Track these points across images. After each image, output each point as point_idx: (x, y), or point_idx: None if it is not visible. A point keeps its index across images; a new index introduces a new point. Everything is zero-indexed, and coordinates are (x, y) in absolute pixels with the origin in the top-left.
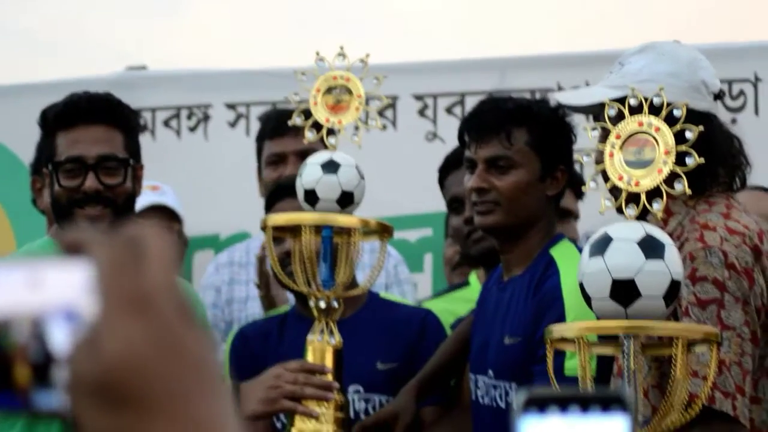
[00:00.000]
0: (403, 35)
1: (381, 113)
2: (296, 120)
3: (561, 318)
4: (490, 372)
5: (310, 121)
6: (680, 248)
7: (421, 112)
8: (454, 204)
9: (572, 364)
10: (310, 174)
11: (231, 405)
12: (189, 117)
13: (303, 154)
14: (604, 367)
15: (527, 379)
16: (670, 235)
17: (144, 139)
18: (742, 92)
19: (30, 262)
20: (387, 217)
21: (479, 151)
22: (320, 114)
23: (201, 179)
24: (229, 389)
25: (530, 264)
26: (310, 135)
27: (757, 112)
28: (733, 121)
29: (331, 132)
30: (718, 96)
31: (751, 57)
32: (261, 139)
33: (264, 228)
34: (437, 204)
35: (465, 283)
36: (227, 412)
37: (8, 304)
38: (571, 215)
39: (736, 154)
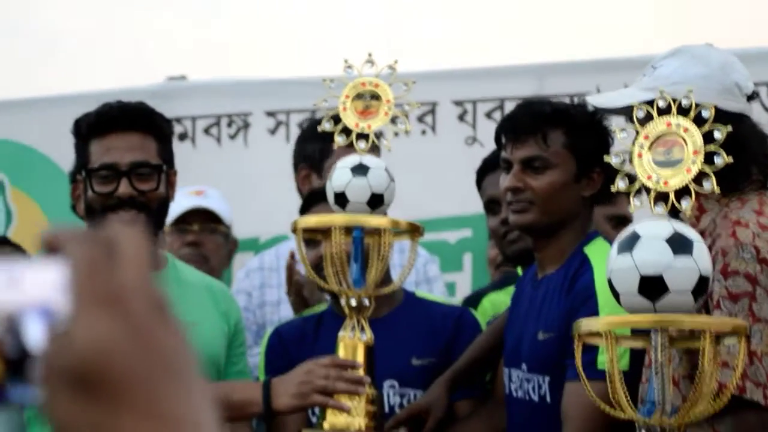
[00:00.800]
0: (444, 42)
1: (421, 119)
2: (325, 125)
3: (594, 314)
4: (524, 366)
5: (339, 127)
6: (712, 244)
7: (461, 118)
8: (491, 205)
9: (605, 358)
10: (339, 177)
11: (206, 401)
12: (229, 125)
13: None
14: (637, 359)
15: (561, 373)
16: (703, 232)
17: (185, 147)
18: None
19: (8, 261)
20: (427, 219)
21: (515, 151)
22: (350, 119)
23: (241, 185)
24: (204, 385)
25: (564, 262)
26: (340, 140)
27: None
28: None
29: (361, 137)
30: (752, 97)
31: None
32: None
33: (295, 230)
34: (476, 206)
35: (517, 276)
36: (200, 408)
37: None
38: (627, 221)
39: None
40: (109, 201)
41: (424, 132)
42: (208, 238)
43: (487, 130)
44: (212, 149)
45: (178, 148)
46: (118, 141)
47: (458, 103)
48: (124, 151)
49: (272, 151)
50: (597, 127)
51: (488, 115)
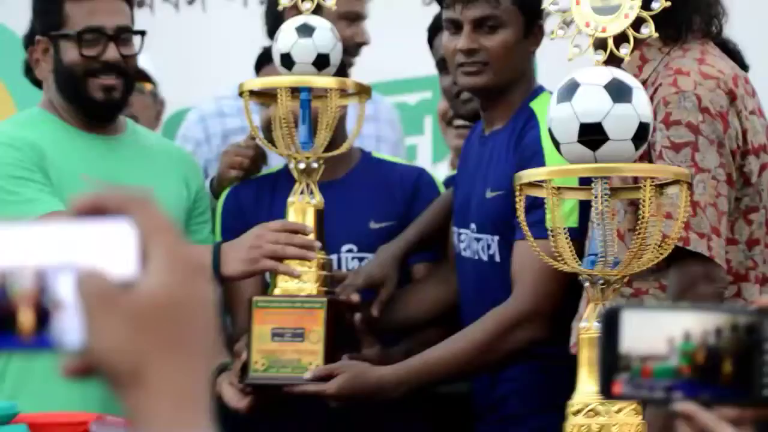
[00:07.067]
0: None
1: None
2: None
3: None
4: (473, 225)
5: None
6: (654, 93)
7: None
8: (444, 63)
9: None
10: (285, 38)
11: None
12: None
13: None
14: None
15: (510, 233)
16: (645, 81)
17: (143, 14)
18: None
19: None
20: (387, 82)
21: (466, 11)
22: None
23: (199, 52)
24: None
25: (511, 118)
26: (285, 1)
27: None
28: None
29: None
30: None
31: None
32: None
33: (241, 93)
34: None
35: None
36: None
37: (17, 256)
38: None
39: (712, 3)
40: (93, 65)
41: None
42: (137, 98)
43: None
44: (170, 16)
45: (137, 15)
46: (102, 4)
47: None
48: (109, 15)
49: (230, 16)
50: None
51: None
